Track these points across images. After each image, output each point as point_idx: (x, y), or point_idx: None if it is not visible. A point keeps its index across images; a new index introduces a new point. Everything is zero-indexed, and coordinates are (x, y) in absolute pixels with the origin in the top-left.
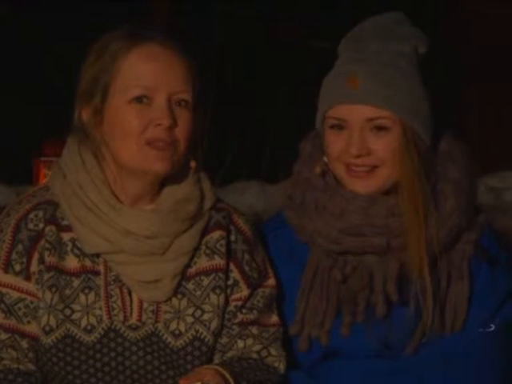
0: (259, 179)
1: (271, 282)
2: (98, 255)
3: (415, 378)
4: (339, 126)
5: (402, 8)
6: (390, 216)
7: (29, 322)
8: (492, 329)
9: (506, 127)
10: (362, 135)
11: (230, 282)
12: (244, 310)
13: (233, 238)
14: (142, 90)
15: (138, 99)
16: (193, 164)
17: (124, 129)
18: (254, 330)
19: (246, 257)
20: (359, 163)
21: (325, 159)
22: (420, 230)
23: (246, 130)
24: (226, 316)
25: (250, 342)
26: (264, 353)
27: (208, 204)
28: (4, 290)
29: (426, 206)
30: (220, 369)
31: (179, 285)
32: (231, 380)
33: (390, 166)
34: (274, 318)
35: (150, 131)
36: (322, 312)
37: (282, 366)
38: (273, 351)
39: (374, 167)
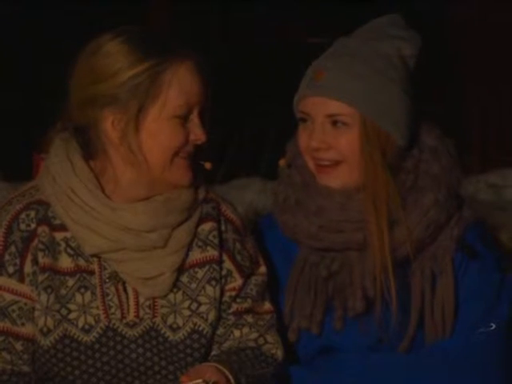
0: (260, 176)
1: (262, 269)
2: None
3: (413, 375)
4: (304, 120)
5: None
6: (365, 211)
7: (23, 324)
8: (492, 328)
9: (506, 125)
10: (323, 129)
11: (223, 273)
12: (238, 300)
13: (223, 227)
14: (187, 108)
15: (181, 115)
16: (208, 165)
17: (164, 142)
18: (249, 318)
19: (238, 246)
20: (320, 157)
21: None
22: (382, 231)
23: (247, 127)
24: (221, 307)
25: (246, 330)
26: (261, 340)
27: (201, 194)
28: None
29: (393, 207)
30: (220, 366)
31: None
32: (231, 377)
33: (351, 163)
34: (267, 305)
35: (188, 146)
36: (310, 304)
37: (279, 353)
38: (269, 338)
39: (337, 162)
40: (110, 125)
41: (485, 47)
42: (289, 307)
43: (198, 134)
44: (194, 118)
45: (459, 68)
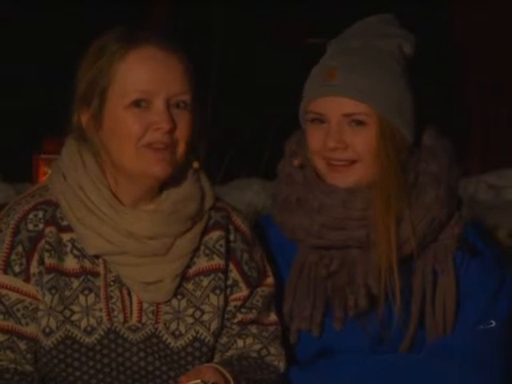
0: (259, 177)
1: (270, 280)
2: (97, 256)
3: (414, 375)
4: (318, 120)
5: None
6: (369, 208)
7: (27, 324)
8: (493, 325)
9: (506, 126)
10: (340, 129)
11: (229, 282)
12: (243, 310)
13: (232, 237)
14: (140, 94)
15: (136, 103)
16: (196, 165)
17: (123, 133)
18: (254, 329)
19: (245, 256)
20: (336, 157)
21: (308, 155)
22: (389, 229)
23: (247, 128)
24: (226, 316)
25: (249, 341)
26: (264, 352)
27: (208, 204)
28: (3, 292)
29: (400, 202)
30: (219, 367)
31: (179, 285)
32: (231, 379)
33: (367, 161)
34: (273, 317)
35: (150, 135)
36: (309, 306)
37: (281, 365)
38: (272, 350)
39: (352, 162)
40: (86, 126)
41: (485, 48)
42: (288, 309)
43: (157, 122)
44: (158, 104)
45: (459, 69)
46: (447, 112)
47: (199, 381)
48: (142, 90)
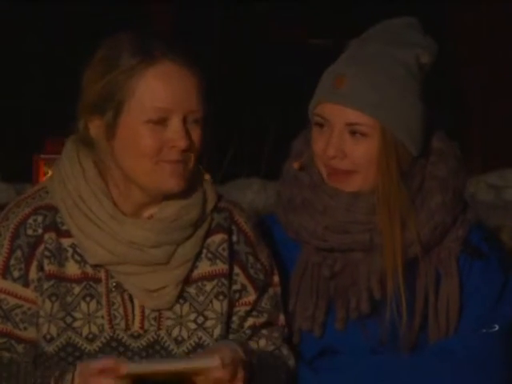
0: (260, 176)
1: (275, 279)
2: None
3: (415, 376)
4: (322, 124)
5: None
6: (373, 212)
7: (25, 328)
8: (496, 329)
9: (507, 126)
10: (341, 137)
11: (237, 287)
12: (254, 313)
13: (235, 238)
14: (159, 112)
15: (153, 120)
16: (207, 177)
17: (139, 148)
18: (265, 330)
19: (250, 259)
20: (334, 165)
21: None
22: (394, 234)
23: (247, 127)
24: (237, 321)
25: (262, 343)
26: (277, 353)
27: (210, 206)
28: (2, 296)
29: (403, 210)
30: (238, 348)
31: (181, 289)
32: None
33: (364, 173)
34: (282, 318)
35: (165, 153)
36: (312, 306)
37: (291, 363)
38: (284, 351)
39: (349, 172)
40: (95, 134)
41: (484, 48)
42: (291, 308)
43: (174, 140)
44: (175, 122)
45: (460, 69)
46: (447, 112)
47: (216, 357)
48: (160, 108)
